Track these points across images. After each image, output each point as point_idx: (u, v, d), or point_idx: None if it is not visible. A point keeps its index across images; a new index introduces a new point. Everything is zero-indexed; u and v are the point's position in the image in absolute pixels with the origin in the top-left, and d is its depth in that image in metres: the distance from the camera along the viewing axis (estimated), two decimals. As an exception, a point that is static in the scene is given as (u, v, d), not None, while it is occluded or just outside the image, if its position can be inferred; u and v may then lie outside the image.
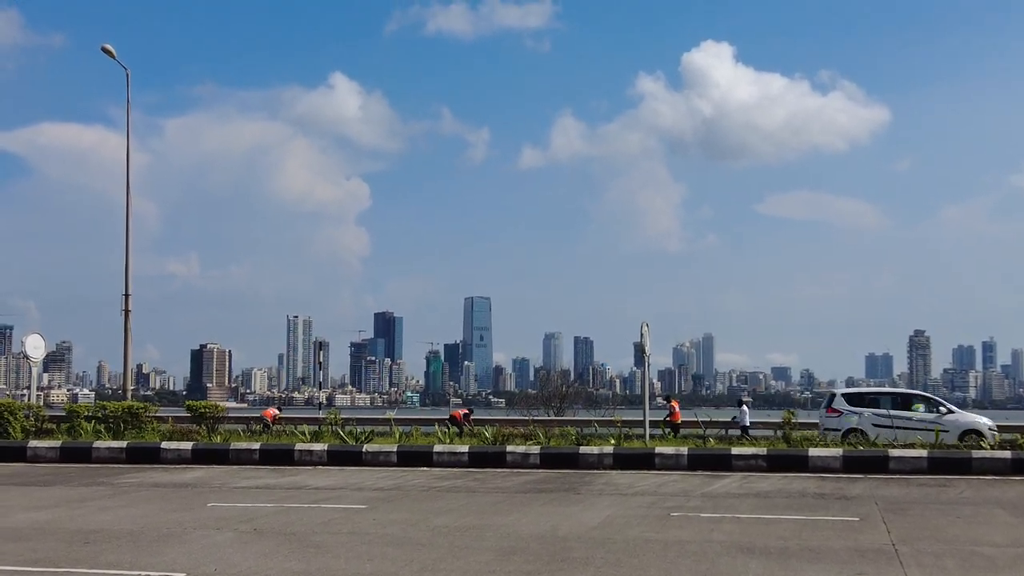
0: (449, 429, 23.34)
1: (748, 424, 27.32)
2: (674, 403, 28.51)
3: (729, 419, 29.16)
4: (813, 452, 17.53)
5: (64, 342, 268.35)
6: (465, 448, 18.85)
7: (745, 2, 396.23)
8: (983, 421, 23.08)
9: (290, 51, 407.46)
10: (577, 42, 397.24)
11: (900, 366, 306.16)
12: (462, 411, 31.11)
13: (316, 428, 23.25)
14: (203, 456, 19.36)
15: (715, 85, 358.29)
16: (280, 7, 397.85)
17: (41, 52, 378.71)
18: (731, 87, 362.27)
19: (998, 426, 23.49)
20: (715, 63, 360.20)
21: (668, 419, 26.99)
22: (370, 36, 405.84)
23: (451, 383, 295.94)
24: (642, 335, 22.46)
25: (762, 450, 17.99)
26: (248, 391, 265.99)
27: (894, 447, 18.26)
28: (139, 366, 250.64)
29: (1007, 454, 17.01)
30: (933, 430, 20.96)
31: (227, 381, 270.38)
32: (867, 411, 22.89)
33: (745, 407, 28.60)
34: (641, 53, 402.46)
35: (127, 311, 29.09)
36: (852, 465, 17.01)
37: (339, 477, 16.79)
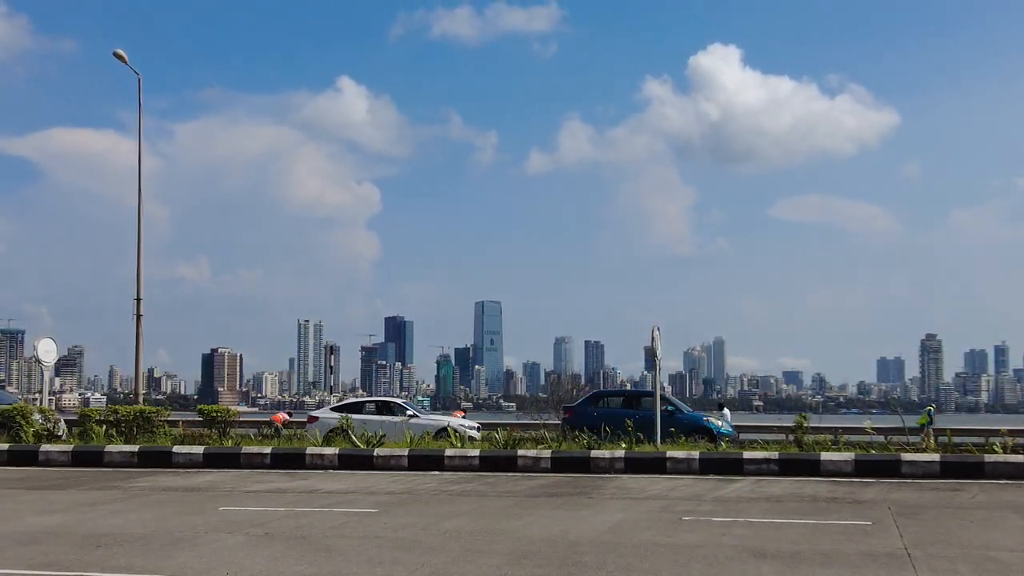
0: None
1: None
2: None
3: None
4: (825, 456, 17.46)
5: (76, 347, 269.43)
6: (476, 452, 18.85)
7: (752, 5, 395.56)
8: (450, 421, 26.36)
9: (296, 55, 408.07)
10: (583, 45, 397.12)
11: (912, 370, 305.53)
12: (460, 414, 32.06)
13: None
14: (214, 460, 19.39)
15: (722, 88, 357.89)
16: (282, 10, 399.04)
17: (51, 58, 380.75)
18: (738, 90, 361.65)
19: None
20: (722, 66, 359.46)
21: None
22: (375, 41, 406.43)
23: (462, 387, 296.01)
24: (653, 339, 22.41)
25: (774, 454, 17.93)
26: (259, 395, 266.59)
27: (906, 451, 18.17)
28: (150, 370, 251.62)
29: (1021, 458, 16.91)
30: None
31: (238, 385, 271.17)
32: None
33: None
34: (648, 56, 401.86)
35: (139, 315, 29.17)
36: (864, 469, 16.94)
37: (350, 481, 16.80)
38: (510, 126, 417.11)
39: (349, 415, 25.07)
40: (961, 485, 15.63)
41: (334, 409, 28.14)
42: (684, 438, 21.19)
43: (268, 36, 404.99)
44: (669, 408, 25.68)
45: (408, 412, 26.86)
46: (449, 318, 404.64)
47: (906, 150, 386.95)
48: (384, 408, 27.78)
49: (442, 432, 24.37)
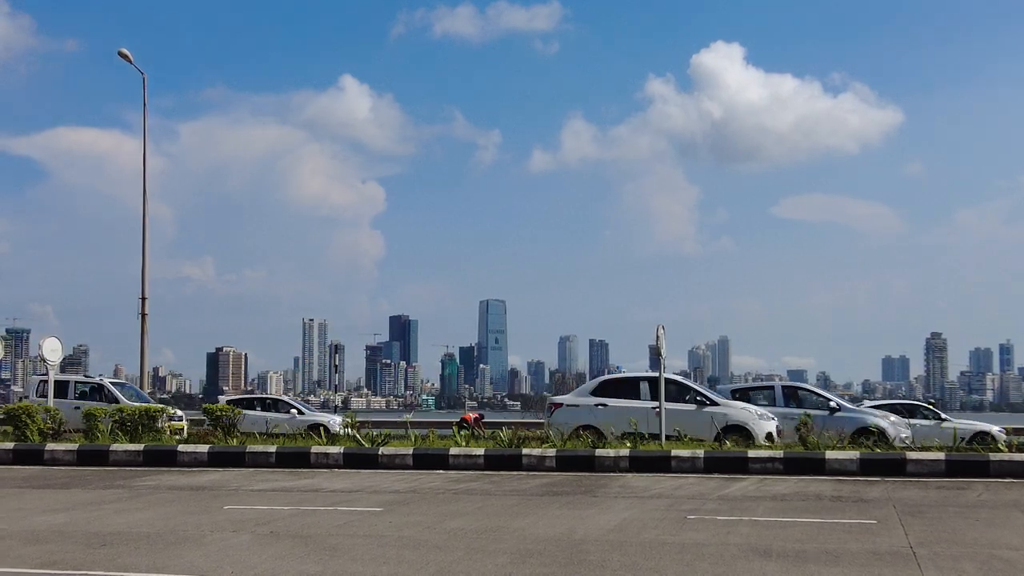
0: (458, 432, 23.29)
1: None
2: None
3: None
4: (830, 455, 17.44)
5: (81, 346, 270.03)
6: (481, 451, 18.86)
7: (755, 3, 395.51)
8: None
9: (299, 54, 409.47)
10: (586, 44, 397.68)
11: (917, 369, 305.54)
12: (473, 415, 31.96)
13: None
14: (219, 459, 19.41)
15: (725, 87, 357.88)
16: (285, 10, 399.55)
17: (55, 57, 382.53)
18: (741, 89, 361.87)
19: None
20: (725, 64, 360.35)
21: None
22: (377, 40, 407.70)
23: (466, 386, 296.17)
24: (657, 338, 22.37)
25: (779, 452, 17.91)
26: (264, 394, 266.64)
27: (911, 450, 18.15)
28: (155, 369, 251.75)
29: (1026, 456, 16.87)
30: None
31: (243, 384, 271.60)
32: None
33: None
34: (650, 55, 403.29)
35: (144, 314, 29.25)
36: (869, 468, 16.92)
37: (355, 480, 16.81)
38: (513, 125, 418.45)
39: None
40: (966, 484, 15.61)
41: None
42: None
43: (271, 36, 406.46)
44: None
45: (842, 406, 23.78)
46: (453, 317, 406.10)
47: (910, 149, 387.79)
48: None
49: (864, 431, 22.74)
